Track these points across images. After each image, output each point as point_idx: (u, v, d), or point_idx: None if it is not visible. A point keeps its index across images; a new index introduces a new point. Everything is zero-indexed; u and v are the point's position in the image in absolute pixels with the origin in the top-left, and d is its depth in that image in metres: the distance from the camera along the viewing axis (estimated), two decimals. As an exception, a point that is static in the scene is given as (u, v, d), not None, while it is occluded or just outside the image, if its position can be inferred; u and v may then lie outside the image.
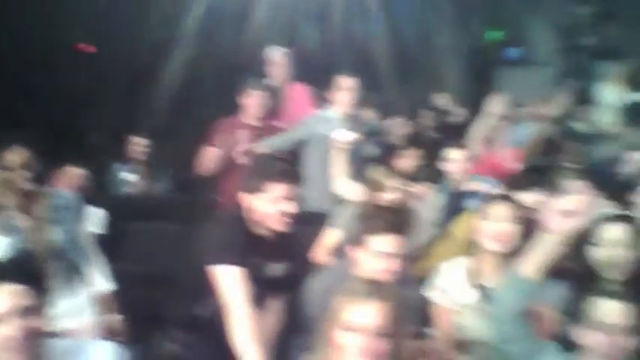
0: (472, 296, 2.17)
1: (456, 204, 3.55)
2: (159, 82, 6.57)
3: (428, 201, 3.62)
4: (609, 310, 1.68)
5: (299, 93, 4.61)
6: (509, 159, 4.52)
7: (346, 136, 3.40)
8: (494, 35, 10.61)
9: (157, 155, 5.21)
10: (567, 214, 1.55)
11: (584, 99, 5.96)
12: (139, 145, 5.10)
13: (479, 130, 4.17)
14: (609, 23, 9.29)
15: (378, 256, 2.02)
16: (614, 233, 2.11)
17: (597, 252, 2.12)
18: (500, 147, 4.56)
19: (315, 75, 4.55)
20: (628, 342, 1.66)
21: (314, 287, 2.25)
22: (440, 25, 9.71)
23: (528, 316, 2.18)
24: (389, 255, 2.02)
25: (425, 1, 9.02)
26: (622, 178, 3.66)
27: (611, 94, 6.02)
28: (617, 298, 1.69)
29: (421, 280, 2.45)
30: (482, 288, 2.17)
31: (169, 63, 6.72)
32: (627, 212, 2.50)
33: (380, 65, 7.90)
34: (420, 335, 1.87)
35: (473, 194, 3.39)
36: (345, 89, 3.76)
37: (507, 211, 2.19)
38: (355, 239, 2.10)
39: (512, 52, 10.48)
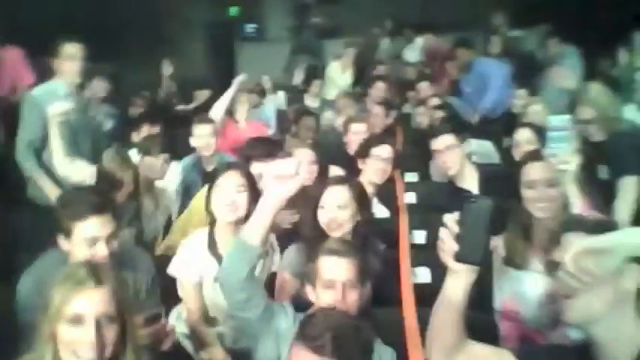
0: (213, 267, 2.16)
1: (201, 177, 3.56)
2: None
3: (169, 174, 3.54)
4: (334, 266, 1.82)
5: (12, 57, 4.05)
6: (253, 132, 4.68)
7: (59, 107, 3.00)
8: (234, 11, 10.81)
9: None
10: (282, 178, 1.59)
11: (314, 75, 6.41)
12: None
13: (223, 104, 4.18)
14: (334, 4, 10.22)
15: (87, 242, 1.88)
16: (336, 196, 2.26)
17: (322, 213, 2.26)
18: (243, 121, 4.68)
19: (34, 38, 4.03)
20: (356, 295, 1.82)
21: (24, 281, 1.98)
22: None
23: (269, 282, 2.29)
24: (96, 239, 1.88)
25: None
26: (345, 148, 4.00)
27: (337, 71, 6.61)
28: (341, 255, 1.84)
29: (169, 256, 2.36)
30: (219, 258, 2.18)
31: None
32: (352, 177, 2.68)
33: (117, 33, 7.39)
34: (155, 317, 1.77)
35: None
36: (71, 57, 3.35)
37: (236, 180, 2.23)
38: (61, 227, 1.92)
39: (249, 29, 10.86)
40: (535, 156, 2.21)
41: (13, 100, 3.97)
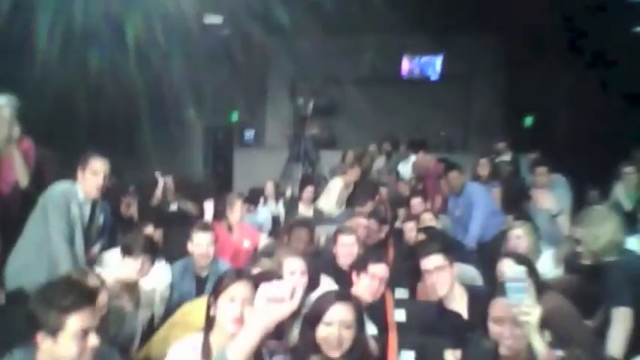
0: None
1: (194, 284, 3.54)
2: None
3: (156, 275, 3.52)
4: None
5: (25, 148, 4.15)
6: (244, 236, 4.72)
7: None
8: (234, 117, 11.28)
9: None
10: (276, 301, 1.60)
11: (309, 183, 6.56)
12: None
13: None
14: (331, 116, 10.69)
15: (79, 334, 1.86)
16: (343, 314, 2.18)
17: (326, 330, 2.17)
18: (238, 227, 4.73)
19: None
20: None
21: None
22: (186, 103, 9.93)
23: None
24: (89, 330, 1.87)
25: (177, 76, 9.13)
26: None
27: (339, 185, 6.72)
28: None
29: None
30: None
31: None
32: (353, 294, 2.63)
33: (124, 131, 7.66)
34: None
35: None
36: (95, 173, 3.45)
37: (246, 292, 2.17)
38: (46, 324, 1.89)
39: (248, 134, 11.27)
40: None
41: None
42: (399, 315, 3.41)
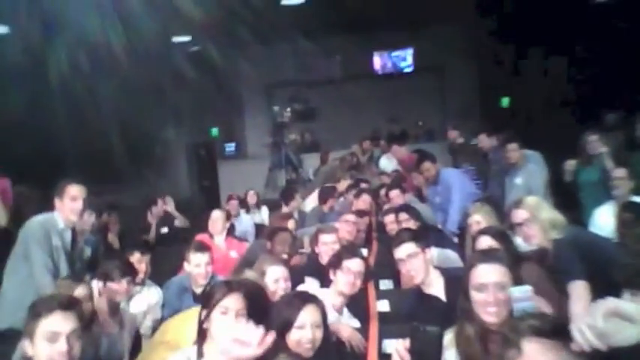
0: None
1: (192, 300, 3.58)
2: None
3: (143, 296, 3.62)
4: None
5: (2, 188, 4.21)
6: (232, 249, 4.80)
7: None
8: (215, 132, 11.38)
9: None
10: (243, 344, 1.64)
11: (294, 189, 6.62)
12: None
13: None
14: (309, 120, 10.80)
15: (47, 337, 1.94)
16: (314, 316, 2.23)
17: (298, 334, 2.20)
18: (220, 237, 4.81)
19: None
20: None
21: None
22: (167, 120, 9.98)
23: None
24: (57, 334, 1.95)
25: (152, 97, 9.20)
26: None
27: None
28: None
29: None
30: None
31: None
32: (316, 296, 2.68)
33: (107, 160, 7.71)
34: None
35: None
36: (73, 198, 3.50)
37: (239, 304, 2.20)
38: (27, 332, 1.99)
39: (229, 147, 11.37)
40: (485, 258, 2.18)
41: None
42: (383, 305, 3.47)
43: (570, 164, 5.08)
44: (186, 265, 3.67)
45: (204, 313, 2.21)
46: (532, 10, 8.53)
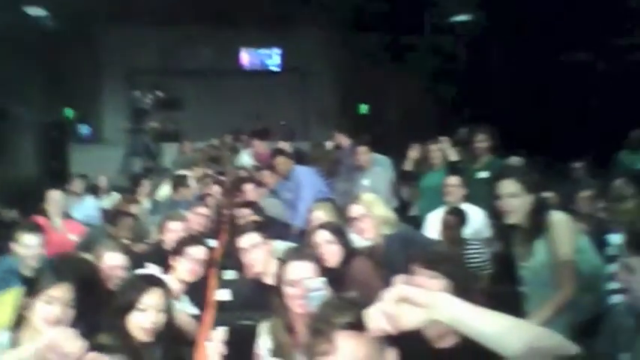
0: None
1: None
2: None
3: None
4: None
5: None
6: (70, 232, 4.60)
7: None
8: (69, 113, 10.70)
9: None
10: (62, 357, 1.65)
11: (145, 176, 6.48)
12: None
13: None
14: (172, 110, 10.54)
15: None
16: (157, 300, 2.24)
17: (141, 317, 2.21)
18: (58, 220, 4.61)
19: None
20: None
21: None
22: (17, 99, 9.23)
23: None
24: None
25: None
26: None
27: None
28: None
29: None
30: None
31: None
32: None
33: None
34: None
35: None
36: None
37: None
38: None
39: (84, 130, 10.76)
40: (296, 255, 2.34)
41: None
42: (224, 294, 3.56)
43: (411, 161, 5.45)
44: (14, 245, 3.46)
45: (26, 299, 2.08)
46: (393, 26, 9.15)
